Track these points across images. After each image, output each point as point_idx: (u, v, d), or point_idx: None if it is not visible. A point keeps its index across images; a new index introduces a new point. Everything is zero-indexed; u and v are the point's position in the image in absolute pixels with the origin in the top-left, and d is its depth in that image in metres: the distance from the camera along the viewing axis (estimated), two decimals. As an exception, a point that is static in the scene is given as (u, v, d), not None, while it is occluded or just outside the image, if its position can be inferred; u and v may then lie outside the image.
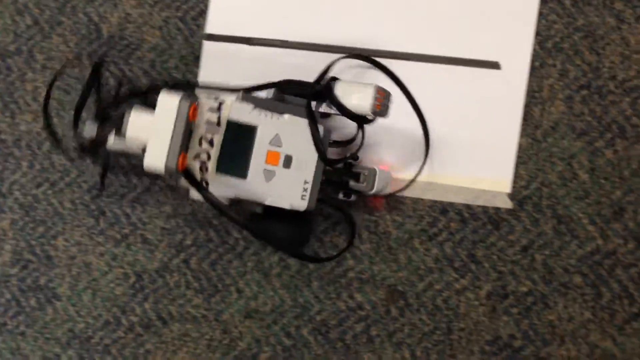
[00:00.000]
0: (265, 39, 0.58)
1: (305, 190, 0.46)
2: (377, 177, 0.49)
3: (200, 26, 0.59)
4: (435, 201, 0.53)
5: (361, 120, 0.46)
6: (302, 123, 0.46)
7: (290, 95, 0.48)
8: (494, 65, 0.53)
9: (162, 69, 0.59)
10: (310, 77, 0.56)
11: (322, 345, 0.55)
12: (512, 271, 0.52)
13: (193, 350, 0.57)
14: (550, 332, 0.51)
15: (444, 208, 0.53)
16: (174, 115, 0.42)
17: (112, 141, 0.48)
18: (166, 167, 0.42)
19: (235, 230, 0.57)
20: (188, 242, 0.58)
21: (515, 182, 0.52)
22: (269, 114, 0.46)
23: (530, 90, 0.52)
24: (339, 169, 0.50)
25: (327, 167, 0.47)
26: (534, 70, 0.52)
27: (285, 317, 0.56)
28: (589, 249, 0.50)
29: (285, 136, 0.46)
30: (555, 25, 0.52)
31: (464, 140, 0.53)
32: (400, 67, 0.54)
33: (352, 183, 0.49)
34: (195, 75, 0.59)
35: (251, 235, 0.54)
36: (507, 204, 0.52)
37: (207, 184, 0.45)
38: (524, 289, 0.51)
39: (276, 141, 0.46)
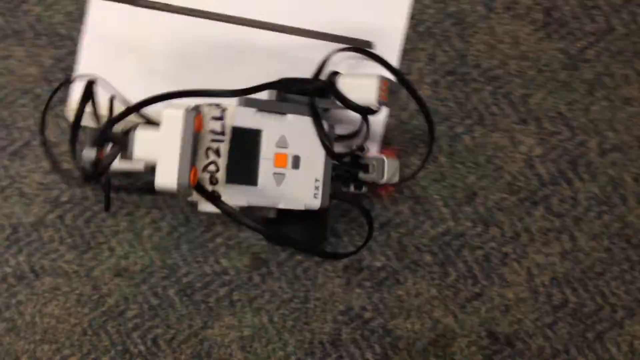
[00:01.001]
0: (148, 1, 0.57)
1: (317, 188, 0.46)
2: (385, 165, 0.49)
3: (88, -18, 0.58)
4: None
5: (366, 112, 0.46)
6: (306, 121, 0.46)
7: (291, 93, 0.47)
8: (367, 45, 0.53)
9: (48, 25, 0.59)
10: (191, 42, 0.56)
11: (186, 306, 0.56)
12: (369, 247, 0.54)
13: (63, 303, 0.58)
14: (398, 306, 0.53)
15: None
16: (180, 129, 0.40)
17: (116, 163, 0.45)
18: (179, 184, 0.40)
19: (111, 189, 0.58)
20: (64, 198, 0.58)
21: (378, 161, 0.53)
22: (272, 115, 0.45)
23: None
24: (347, 163, 0.49)
25: (335, 162, 0.47)
26: (405, 52, 0.53)
27: (153, 277, 0.57)
28: (440, 229, 0.52)
29: (291, 136, 0.45)
30: (429, 9, 0.53)
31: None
32: (274, 40, 0.54)
33: (361, 175, 0.49)
34: (80, 32, 0.59)
35: (269, 241, 0.53)
36: (370, 181, 0.53)
37: (218, 195, 0.43)
38: (378, 264, 0.53)
39: (282, 142, 0.45)
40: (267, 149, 0.45)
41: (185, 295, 0.57)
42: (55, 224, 0.58)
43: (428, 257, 0.53)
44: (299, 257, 0.55)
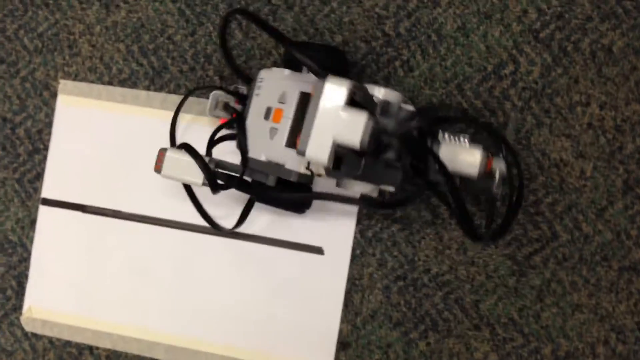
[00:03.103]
0: (98, 208, 0.57)
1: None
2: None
3: (37, 190, 0.58)
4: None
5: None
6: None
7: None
8: (318, 251, 0.53)
9: (-2, 231, 0.59)
10: (146, 248, 0.56)
11: None
12: None
13: None
14: None
15: (269, 389, 0.54)
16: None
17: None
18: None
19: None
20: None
21: (336, 367, 0.53)
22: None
23: (351, 277, 0.53)
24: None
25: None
26: (355, 257, 0.53)
27: None
28: None
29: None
30: (376, 215, 0.53)
31: (287, 321, 0.53)
32: (231, 245, 0.54)
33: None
34: (32, 240, 0.58)
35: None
36: (328, 388, 0.53)
37: None
38: None
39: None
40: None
41: None
42: None
43: None
44: None
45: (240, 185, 0.49)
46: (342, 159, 0.45)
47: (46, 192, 0.58)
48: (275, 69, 0.48)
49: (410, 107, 0.47)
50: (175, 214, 0.56)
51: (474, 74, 0.52)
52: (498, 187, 0.45)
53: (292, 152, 0.46)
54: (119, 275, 0.57)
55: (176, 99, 0.55)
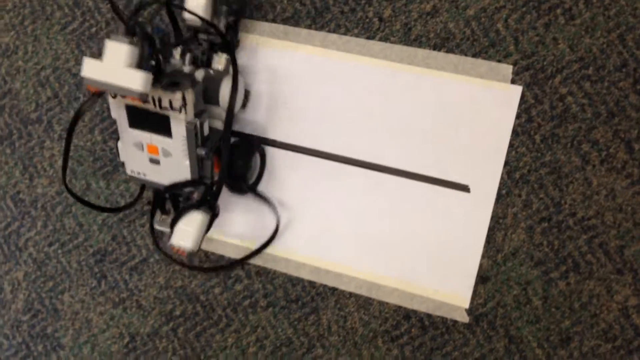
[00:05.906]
0: (283, 142, 0.62)
1: None
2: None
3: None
4: (400, 306, 0.58)
5: None
6: None
7: None
8: (464, 188, 0.56)
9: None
10: (303, 176, 0.61)
11: (287, 422, 0.61)
12: (463, 381, 0.56)
13: (175, 410, 0.63)
14: None
15: (407, 314, 0.58)
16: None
17: None
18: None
19: (219, 307, 0.63)
20: (177, 312, 0.64)
21: (473, 299, 0.56)
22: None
23: (495, 215, 0.56)
24: None
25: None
26: (500, 197, 0.55)
27: (257, 393, 0.61)
28: (534, 370, 0.54)
29: None
30: (524, 157, 0.55)
31: (431, 253, 0.57)
32: (382, 179, 0.58)
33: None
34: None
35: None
36: (464, 318, 0.56)
37: None
38: (472, 398, 0.56)
39: None
40: None
41: (286, 412, 0.61)
42: (169, 335, 0.64)
43: (521, 396, 0.55)
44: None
45: None
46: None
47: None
48: None
49: None
50: (333, 146, 0.60)
51: (637, 25, 0.53)
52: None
53: None
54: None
55: (337, 38, 0.59)
